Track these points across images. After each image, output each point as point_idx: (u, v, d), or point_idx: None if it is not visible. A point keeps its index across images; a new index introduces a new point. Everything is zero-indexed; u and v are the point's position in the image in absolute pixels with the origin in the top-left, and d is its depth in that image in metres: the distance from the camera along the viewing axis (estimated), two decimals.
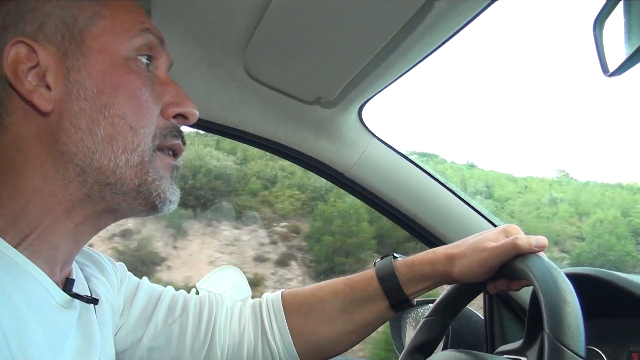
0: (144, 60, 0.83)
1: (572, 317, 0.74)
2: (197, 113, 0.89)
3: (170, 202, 0.84)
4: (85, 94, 0.76)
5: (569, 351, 0.70)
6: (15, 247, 0.72)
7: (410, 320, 1.51)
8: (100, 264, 1.00)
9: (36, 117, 0.75)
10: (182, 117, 0.87)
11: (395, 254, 1.06)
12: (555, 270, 0.82)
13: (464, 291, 1.05)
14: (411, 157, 1.51)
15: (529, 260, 0.88)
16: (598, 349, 1.02)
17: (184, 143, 0.88)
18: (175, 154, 0.88)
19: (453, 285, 1.05)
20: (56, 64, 0.76)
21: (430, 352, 1.07)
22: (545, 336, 0.73)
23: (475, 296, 1.08)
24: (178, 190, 0.86)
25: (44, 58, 0.75)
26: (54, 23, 0.76)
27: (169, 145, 0.85)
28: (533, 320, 1.07)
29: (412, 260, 1.03)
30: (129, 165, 0.78)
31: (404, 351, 1.09)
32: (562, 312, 0.74)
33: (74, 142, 0.76)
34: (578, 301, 0.76)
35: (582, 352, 0.70)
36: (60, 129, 0.76)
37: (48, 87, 0.75)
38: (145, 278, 1.11)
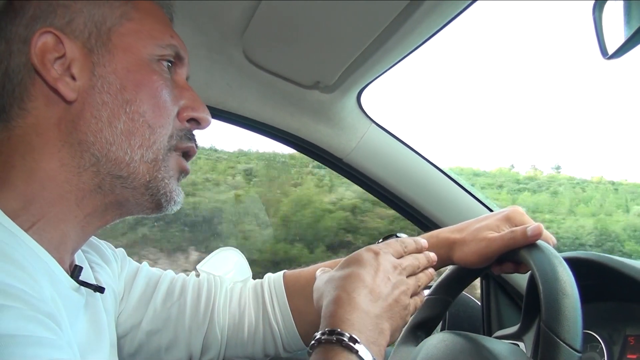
0: (166, 64, 0.85)
1: (569, 310, 0.73)
2: (210, 119, 0.92)
3: (174, 202, 0.86)
4: (109, 88, 0.78)
5: (564, 345, 0.70)
6: (26, 230, 0.73)
7: None
8: (102, 250, 1.01)
9: (58, 104, 0.77)
10: (195, 122, 0.90)
11: (398, 234, 1.06)
12: (556, 260, 0.82)
13: (466, 271, 1.05)
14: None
15: (530, 247, 0.88)
16: (594, 332, 1.03)
17: (196, 146, 0.90)
18: (188, 157, 0.90)
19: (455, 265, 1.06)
20: (82, 57, 0.78)
21: (431, 330, 1.08)
22: (542, 328, 0.73)
23: (478, 276, 1.08)
24: (182, 192, 0.88)
25: (70, 50, 0.77)
26: (83, 20, 0.78)
27: (184, 147, 0.87)
28: (530, 306, 1.08)
29: None
30: (143, 160, 0.80)
31: (405, 327, 1.09)
32: (560, 304, 0.74)
33: (93, 132, 0.77)
34: (578, 293, 0.76)
35: (578, 346, 0.71)
36: (81, 118, 0.77)
37: (73, 77, 0.77)
38: (145, 263, 1.11)
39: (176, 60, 0.87)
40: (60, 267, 0.76)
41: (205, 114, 0.90)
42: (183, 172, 0.89)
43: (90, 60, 0.78)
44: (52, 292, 0.69)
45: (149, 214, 0.87)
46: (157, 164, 0.82)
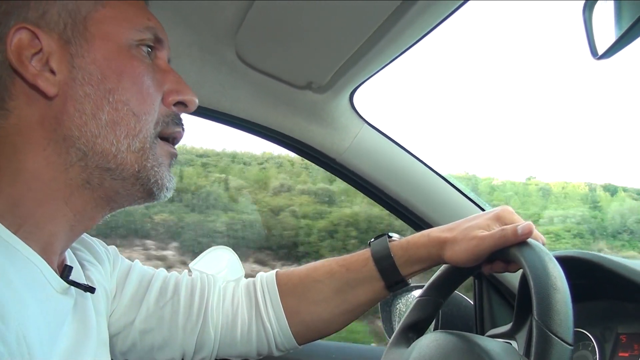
0: (145, 49, 0.83)
1: (561, 304, 0.74)
2: (197, 101, 0.90)
3: (167, 189, 0.85)
4: (90, 79, 0.77)
5: (556, 338, 0.71)
6: (14, 233, 0.72)
7: (401, 305, 1.52)
8: (93, 248, 1.01)
9: (40, 102, 0.75)
10: (182, 105, 0.88)
11: (390, 234, 1.07)
12: (547, 256, 0.82)
13: (457, 272, 1.05)
14: None
15: (520, 245, 0.88)
16: (586, 331, 1.03)
17: (183, 130, 0.89)
18: (175, 141, 0.89)
19: (446, 265, 1.06)
20: (60, 50, 0.76)
21: (422, 331, 1.08)
22: (534, 322, 0.74)
23: (468, 277, 1.08)
24: (174, 177, 0.87)
25: (47, 44, 0.75)
26: (57, 11, 0.76)
27: (170, 133, 0.86)
28: (522, 305, 1.08)
29: (407, 242, 1.03)
30: (130, 150, 0.79)
31: (397, 329, 1.09)
32: (551, 298, 0.75)
33: (77, 126, 0.76)
34: (568, 287, 0.77)
35: (570, 339, 0.71)
36: (64, 113, 0.76)
37: (52, 72, 0.76)
38: (137, 261, 1.11)
39: (156, 44, 0.85)
40: (50, 269, 0.75)
41: (191, 96, 0.88)
42: (173, 157, 0.88)
43: (69, 52, 0.76)
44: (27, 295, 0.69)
45: (141, 203, 0.86)
46: (144, 153, 0.81)
